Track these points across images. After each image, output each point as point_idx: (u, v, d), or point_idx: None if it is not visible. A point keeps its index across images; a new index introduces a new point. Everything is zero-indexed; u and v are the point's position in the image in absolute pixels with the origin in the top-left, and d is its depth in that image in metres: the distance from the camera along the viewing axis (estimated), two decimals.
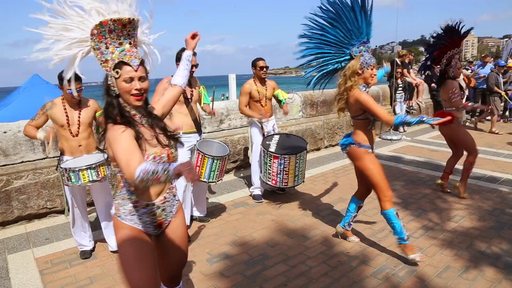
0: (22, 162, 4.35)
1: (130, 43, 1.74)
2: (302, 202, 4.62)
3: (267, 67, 4.59)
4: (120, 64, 1.69)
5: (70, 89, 3.10)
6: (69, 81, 3.06)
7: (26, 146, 4.36)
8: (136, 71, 1.71)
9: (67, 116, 3.20)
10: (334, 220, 4.03)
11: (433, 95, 9.57)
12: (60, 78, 3.16)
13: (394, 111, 8.57)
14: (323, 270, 3.09)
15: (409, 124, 2.92)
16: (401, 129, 8.68)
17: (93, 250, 3.50)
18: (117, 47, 1.70)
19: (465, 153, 4.61)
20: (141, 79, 1.73)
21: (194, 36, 2.16)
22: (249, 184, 5.14)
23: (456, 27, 4.18)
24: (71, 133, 3.21)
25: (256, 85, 4.62)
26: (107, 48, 1.69)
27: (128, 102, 1.75)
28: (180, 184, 3.58)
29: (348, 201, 4.57)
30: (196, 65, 3.79)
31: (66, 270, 3.23)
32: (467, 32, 4.24)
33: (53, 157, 4.45)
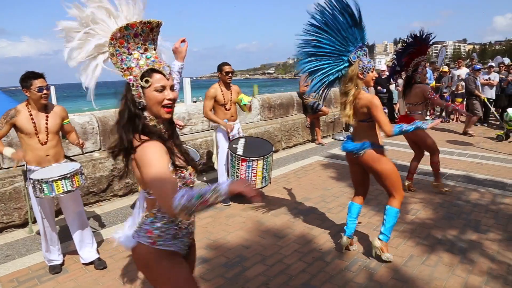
0: None
1: (155, 49, 1.61)
2: (269, 203, 4.74)
3: (232, 72, 4.67)
4: (149, 72, 1.53)
5: (41, 86, 2.93)
6: (34, 78, 2.88)
7: None
8: (168, 79, 1.56)
9: (34, 123, 2.97)
10: (303, 219, 4.21)
11: (379, 97, 10.25)
12: (24, 79, 2.93)
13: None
14: (300, 267, 3.23)
15: (406, 132, 3.05)
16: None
17: (62, 264, 3.32)
18: (142, 53, 1.55)
19: (426, 153, 5.03)
20: (171, 88, 1.58)
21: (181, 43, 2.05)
22: None
23: (423, 36, 4.50)
24: (39, 141, 3.00)
25: (221, 89, 4.68)
26: (130, 54, 1.53)
27: (158, 114, 1.57)
28: None
29: (312, 200, 4.81)
30: None
31: None
32: (431, 40, 4.57)
33: (8, 167, 4.16)
